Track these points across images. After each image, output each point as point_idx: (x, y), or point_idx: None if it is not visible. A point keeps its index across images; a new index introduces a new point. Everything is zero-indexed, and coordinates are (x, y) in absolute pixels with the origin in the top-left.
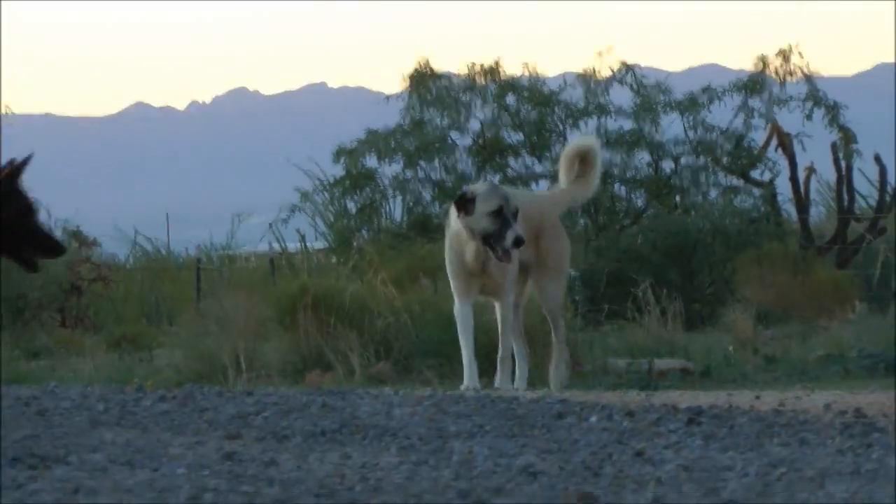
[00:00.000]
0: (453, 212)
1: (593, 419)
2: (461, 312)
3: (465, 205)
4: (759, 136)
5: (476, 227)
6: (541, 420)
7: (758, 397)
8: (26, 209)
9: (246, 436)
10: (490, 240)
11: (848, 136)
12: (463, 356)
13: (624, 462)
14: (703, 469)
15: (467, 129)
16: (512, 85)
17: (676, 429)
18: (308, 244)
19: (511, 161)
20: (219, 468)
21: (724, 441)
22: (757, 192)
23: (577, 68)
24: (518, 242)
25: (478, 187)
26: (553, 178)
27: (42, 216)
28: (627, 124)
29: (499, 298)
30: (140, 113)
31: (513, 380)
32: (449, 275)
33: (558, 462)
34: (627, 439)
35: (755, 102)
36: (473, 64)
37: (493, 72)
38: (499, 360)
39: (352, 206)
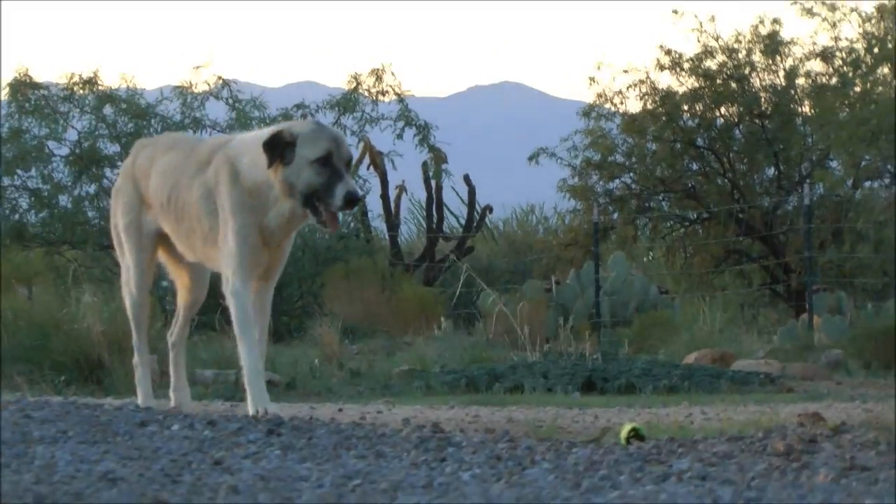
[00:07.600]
0: (249, 160)
1: (175, 427)
2: (248, 296)
3: (282, 150)
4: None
5: (296, 180)
6: (124, 427)
7: (340, 410)
8: None
9: None
10: (314, 198)
11: (438, 156)
12: (247, 368)
13: (203, 470)
14: (279, 479)
15: (65, 139)
16: (110, 96)
17: (256, 439)
18: None
19: (108, 171)
20: None
21: (303, 452)
22: None
23: (175, 82)
24: (351, 201)
25: (297, 126)
26: None
27: None
28: None
29: (270, 280)
30: None
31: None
32: (235, 245)
33: (139, 469)
34: (208, 448)
35: (348, 120)
36: (72, 74)
37: (91, 83)
38: (256, 372)
39: None
